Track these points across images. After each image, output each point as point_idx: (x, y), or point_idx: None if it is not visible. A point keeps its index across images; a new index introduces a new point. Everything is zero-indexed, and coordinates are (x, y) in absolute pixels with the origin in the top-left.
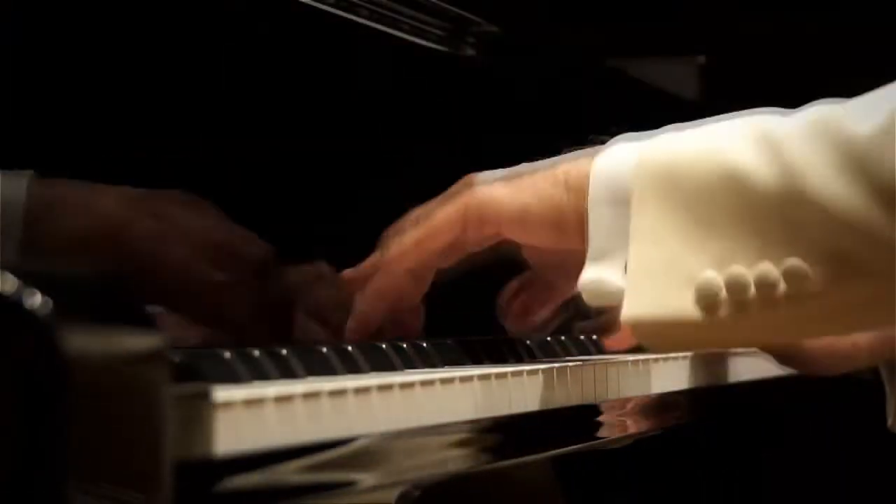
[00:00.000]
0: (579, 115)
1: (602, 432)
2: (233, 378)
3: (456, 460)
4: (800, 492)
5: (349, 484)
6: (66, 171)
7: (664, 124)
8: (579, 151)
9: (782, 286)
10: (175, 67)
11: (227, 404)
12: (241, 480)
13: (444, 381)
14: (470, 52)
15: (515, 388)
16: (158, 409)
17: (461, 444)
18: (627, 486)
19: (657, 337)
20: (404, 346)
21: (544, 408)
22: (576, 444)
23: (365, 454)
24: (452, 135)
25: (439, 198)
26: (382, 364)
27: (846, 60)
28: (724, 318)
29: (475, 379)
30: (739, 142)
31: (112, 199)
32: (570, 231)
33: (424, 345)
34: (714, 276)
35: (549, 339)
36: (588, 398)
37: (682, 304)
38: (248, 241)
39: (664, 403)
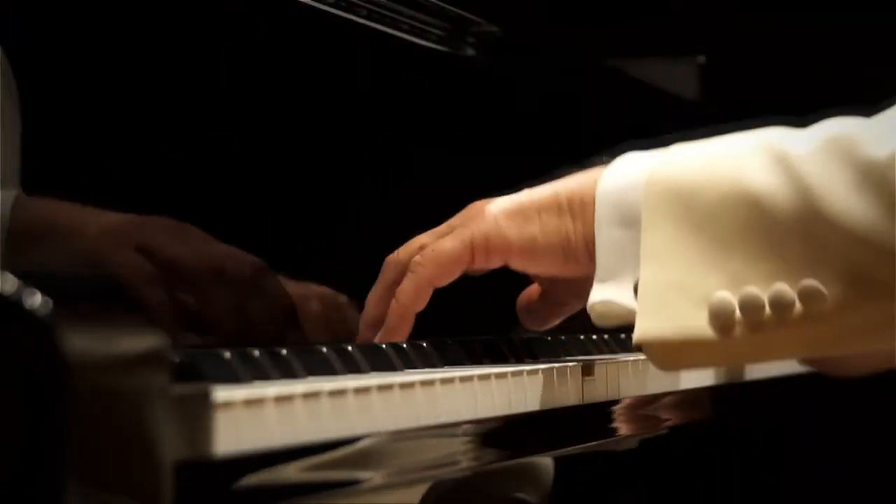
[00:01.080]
0: (579, 115)
1: (603, 432)
2: (233, 378)
3: (462, 459)
4: (818, 488)
5: (350, 483)
6: (62, 175)
7: (664, 124)
8: (580, 173)
9: (798, 306)
10: (174, 68)
11: (227, 404)
12: (241, 480)
13: (444, 381)
14: (470, 52)
15: (515, 388)
16: (158, 409)
17: (466, 443)
18: (631, 486)
19: (670, 357)
20: (404, 346)
21: (544, 408)
22: (577, 444)
23: (365, 454)
24: (452, 135)
25: (444, 226)
26: (382, 364)
27: (846, 60)
28: (738, 337)
29: (475, 379)
30: (753, 160)
31: (97, 228)
32: (578, 257)
33: (424, 345)
34: (728, 297)
35: (549, 338)
36: (588, 398)
37: (695, 325)
38: (236, 262)
39: (665, 403)
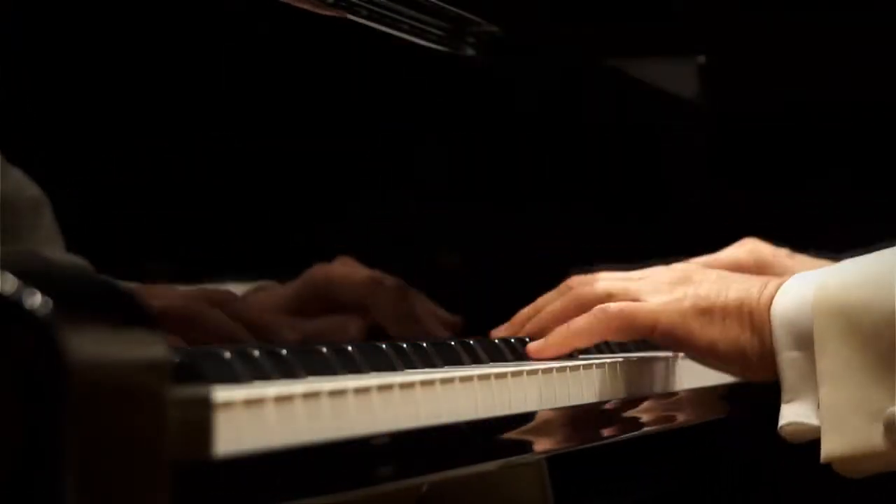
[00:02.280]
0: (579, 115)
1: (604, 432)
2: (233, 378)
3: (462, 459)
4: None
5: (350, 484)
6: (66, 173)
7: (664, 124)
8: (758, 281)
9: None
10: (174, 68)
11: (227, 404)
12: (241, 480)
13: (444, 381)
14: (470, 52)
15: (515, 388)
16: (158, 408)
17: (466, 442)
18: (633, 486)
19: (853, 468)
20: (404, 346)
21: (544, 408)
22: (577, 443)
23: (366, 454)
24: (452, 135)
25: (636, 278)
26: (382, 364)
27: (846, 60)
28: None
29: (475, 379)
30: None
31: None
32: (752, 368)
33: (424, 345)
34: None
35: None
36: (588, 398)
37: (872, 439)
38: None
39: (665, 403)
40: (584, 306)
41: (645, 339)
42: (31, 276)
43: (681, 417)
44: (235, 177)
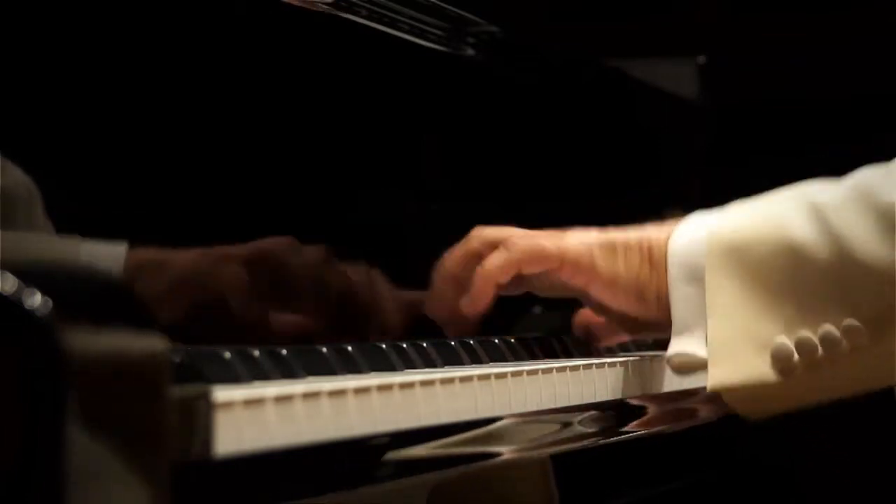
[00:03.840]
0: (579, 114)
1: (602, 432)
2: (233, 378)
3: (463, 459)
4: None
5: (350, 484)
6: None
7: (664, 124)
8: (657, 226)
9: (844, 344)
10: (174, 67)
11: (227, 404)
12: (241, 480)
13: (444, 381)
14: (470, 52)
15: (515, 388)
16: (158, 408)
17: (466, 441)
18: (635, 485)
19: (744, 402)
20: (404, 346)
21: (544, 407)
22: (577, 443)
23: (366, 454)
24: (452, 135)
25: (536, 232)
26: (382, 364)
27: (846, 60)
28: (798, 378)
29: (475, 379)
30: (794, 214)
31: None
32: (649, 303)
33: (424, 345)
34: (785, 341)
35: (549, 338)
36: (588, 398)
37: (759, 370)
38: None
39: (666, 403)
40: (487, 244)
41: (535, 289)
42: (31, 276)
43: (699, 415)
44: (232, 176)
